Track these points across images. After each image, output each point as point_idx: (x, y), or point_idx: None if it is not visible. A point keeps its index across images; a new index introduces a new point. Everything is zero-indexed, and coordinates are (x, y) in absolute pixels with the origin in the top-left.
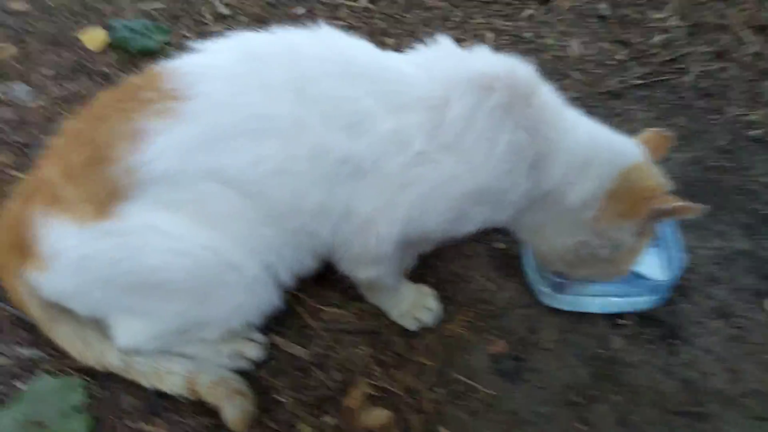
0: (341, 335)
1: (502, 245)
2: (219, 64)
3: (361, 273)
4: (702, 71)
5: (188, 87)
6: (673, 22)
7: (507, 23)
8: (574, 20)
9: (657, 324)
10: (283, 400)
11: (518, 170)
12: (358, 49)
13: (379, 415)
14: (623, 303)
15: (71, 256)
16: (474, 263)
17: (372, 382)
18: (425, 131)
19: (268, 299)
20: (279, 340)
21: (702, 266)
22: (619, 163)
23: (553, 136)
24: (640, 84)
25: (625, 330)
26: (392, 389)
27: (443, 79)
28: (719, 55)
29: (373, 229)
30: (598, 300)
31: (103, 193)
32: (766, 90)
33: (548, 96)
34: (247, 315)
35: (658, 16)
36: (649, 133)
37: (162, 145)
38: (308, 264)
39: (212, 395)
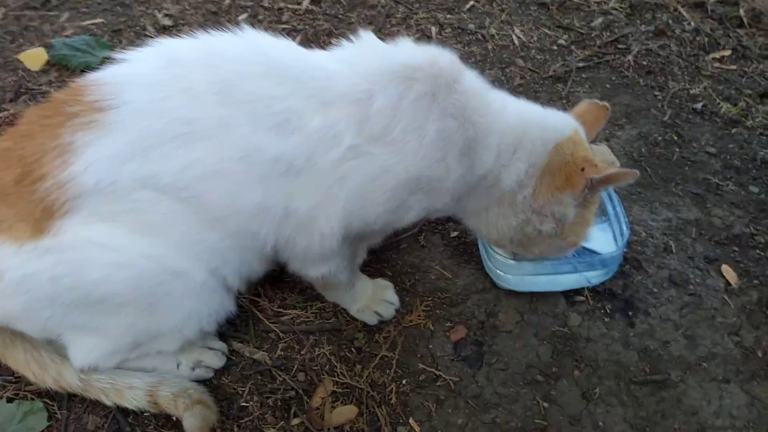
0: (302, 336)
1: (456, 233)
2: (141, 71)
3: (311, 271)
4: (643, 49)
5: (111, 97)
6: (613, 3)
7: (450, 16)
8: (516, 9)
9: (612, 298)
10: (247, 405)
11: (450, 157)
12: (281, 48)
13: (345, 412)
14: (577, 279)
15: (12, 277)
16: (430, 253)
17: (336, 379)
18: (354, 125)
19: (219, 304)
20: (240, 346)
21: (653, 238)
22: (550, 138)
23: (481, 120)
24: (583, 66)
25: (581, 306)
26: (357, 385)
27: (366, 73)
28: (659, 33)
29: (315, 226)
30: (552, 278)
31: (37, 210)
32: (705, 64)
33: (472, 81)
34: (200, 322)
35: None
36: (585, 104)
37: (91, 157)
38: (256, 267)
39: (173, 407)
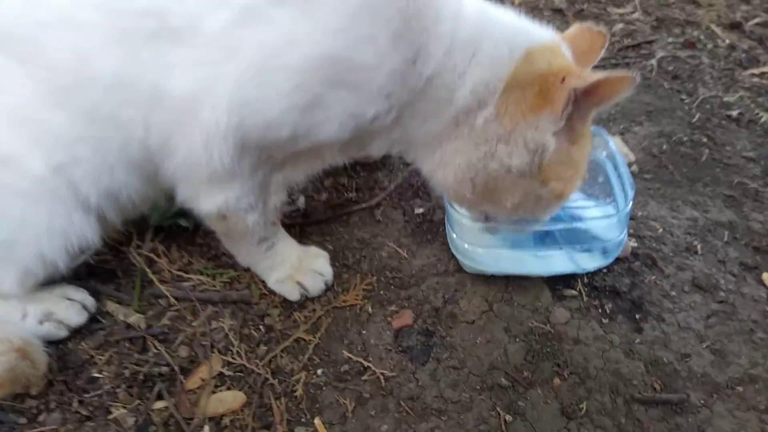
0: (201, 305)
1: (421, 210)
2: None
3: (204, 202)
4: (669, 56)
5: None
6: (637, 16)
7: None
8: (527, 14)
9: (615, 296)
10: (99, 376)
11: (381, 37)
12: None
13: (228, 399)
14: (565, 261)
15: None
16: (386, 230)
17: (228, 359)
18: None
19: (68, 221)
20: (116, 307)
21: (673, 236)
22: (519, 42)
23: None
24: (598, 66)
25: (573, 302)
26: (254, 369)
27: None
28: (689, 45)
29: (198, 118)
30: (532, 257)
31: None
32: (743, 78)
33: None
34: (37, 239)
35: (620, 11)
36: (577, 27)
37: None
38: (124, 180)
39: None
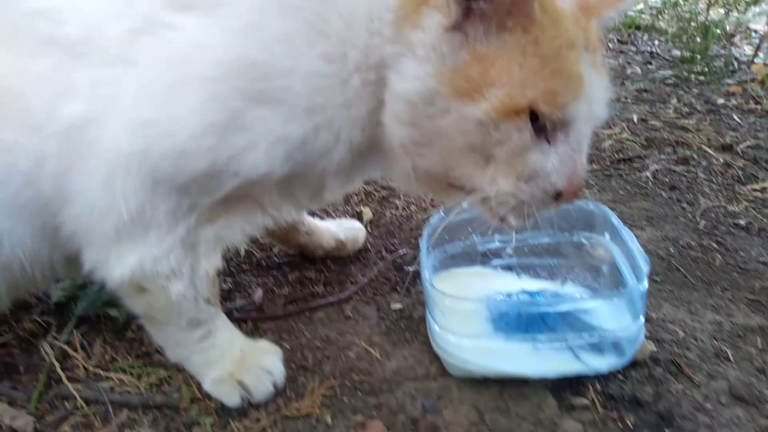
0: (116, 410)
1: (398, 306)
2: None
3: (114, 265)
4: (664, 169)
5: None
6: (626, 136)
7: None
8: None
9: (637, 407)
10: None
11: (296, 36)
12: None
13: None
14: (570, 360)
15: None
16: (356, 327)
17: None
18: None
19: None
20: (3, 407)
21: (697, 341)
22: None
23: None
24: (589, 175)
25: (584, 414)
26: None
27: None
28: (683, 161)
29: (95, 146)
30: (531, 352)
31: None
32: (745, 192)
33: None
34: None
35: (608, 132)
36: None
37: None
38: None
39: None
